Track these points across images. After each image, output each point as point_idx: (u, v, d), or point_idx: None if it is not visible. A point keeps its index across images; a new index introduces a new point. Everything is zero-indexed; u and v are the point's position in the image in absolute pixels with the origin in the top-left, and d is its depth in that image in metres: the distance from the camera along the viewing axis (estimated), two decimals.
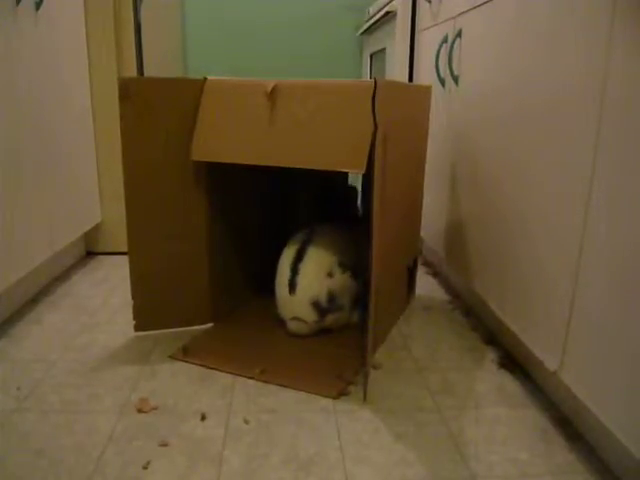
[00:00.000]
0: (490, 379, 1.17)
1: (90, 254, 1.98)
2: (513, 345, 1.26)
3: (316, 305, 1.23)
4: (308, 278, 1.23)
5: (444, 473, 0.89)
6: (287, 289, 1.25)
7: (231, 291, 1.47)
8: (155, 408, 1.04)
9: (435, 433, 0.99)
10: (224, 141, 1.18)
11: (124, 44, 1.84)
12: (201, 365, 1.20)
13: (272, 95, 1.12)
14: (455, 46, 1.47)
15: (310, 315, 1.25)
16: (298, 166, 1.10)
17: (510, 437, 0.98)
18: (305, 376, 1.16)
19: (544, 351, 1.02)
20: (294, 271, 1.23)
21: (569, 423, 1.02)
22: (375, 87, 1.01)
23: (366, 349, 1.12)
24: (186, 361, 1.22)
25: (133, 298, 1.29)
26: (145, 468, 0.88)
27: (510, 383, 1.16)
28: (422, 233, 1.69)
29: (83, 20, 1.76)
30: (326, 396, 1.09)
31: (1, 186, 1.27)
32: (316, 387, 1.12)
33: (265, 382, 1.14)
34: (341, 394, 1.10)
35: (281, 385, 1.13)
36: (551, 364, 0.98)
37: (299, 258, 1.24)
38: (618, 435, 0.80)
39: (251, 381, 1.14)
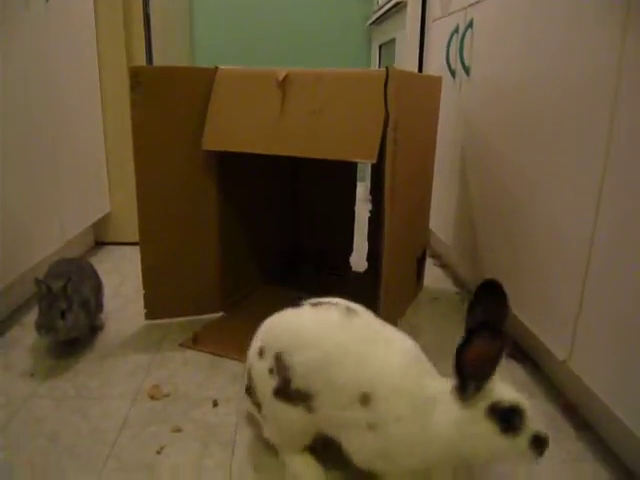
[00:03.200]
0: (498, 369, 1.18)
1: (99, 244, 1.99)
2: (521, 335, 1.26)
3: None
4: None
5: None
6: None
7: (241, 280, 1.48)
8: (167, 395, 1.06)
9: None
10: (235, 130, 1.18)
11: (133, 35, 1.85)
12: (211, 353, 1.21)
13: (283, 84, 1.12)
14: (466, 37, 1.47)
15: None
16: (309, 156, 1.11)
17: None
18: None
19: (553, 340, 1.03)
20: None
21: (578, 412, 1.02)
22: (387, 76, 1.01)
23: None
24: (196, 349, 1.23)
25: (144, 287, 1.30)
26: (159, 453, 0.89)
27: (518, 372, 1.17)
28: (430, 224, 1.70)
29: (92, 11, 1.76)
30: None
31: (14, 177, 1.28)
32: None
33: None
34: None
35: None
36: (560, 353, 0.99)
37: None
38: (628, 424, 0.80)
39: None
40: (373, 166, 1.67)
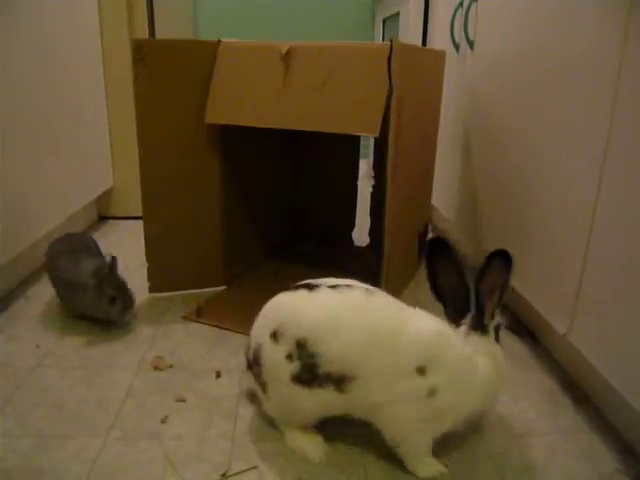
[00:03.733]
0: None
1: (102, 219, 2.00)
2: (521, 308, 1.27)
3: None
4: None
5: None
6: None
7: (243, 254, 1.49)
8: (171, 366, 1.07)
9: None
10: (238, 104, 1.18)
11: (135, 7, 1.82)
12: (214, 326, 1.22)
13: (286, 57, 1.11)
14: (471, 10, 1.45)
15: None
16: (312, 129, 1.10)
17: (517, 397, 1.00)
18: None
19: (553, 314, 1.03)
20: None
21: (576, 386, 1.04)
22: (391, 49, 1.00)
23: None
24: (200, 322, 1.24)
25: (147, 260, 1.31)
26: (163, 422, 0.91)
27: (517, 345, 1.18)
28: (433, 201, 1.70)
29: None
30: None
31: (17, 152, 1.28)
32: None
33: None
34: None
35: None
36: (560, 327, 0.99)
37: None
38: (627, 397, 0.81)
39: None
40: (376, 141, 1.66)
